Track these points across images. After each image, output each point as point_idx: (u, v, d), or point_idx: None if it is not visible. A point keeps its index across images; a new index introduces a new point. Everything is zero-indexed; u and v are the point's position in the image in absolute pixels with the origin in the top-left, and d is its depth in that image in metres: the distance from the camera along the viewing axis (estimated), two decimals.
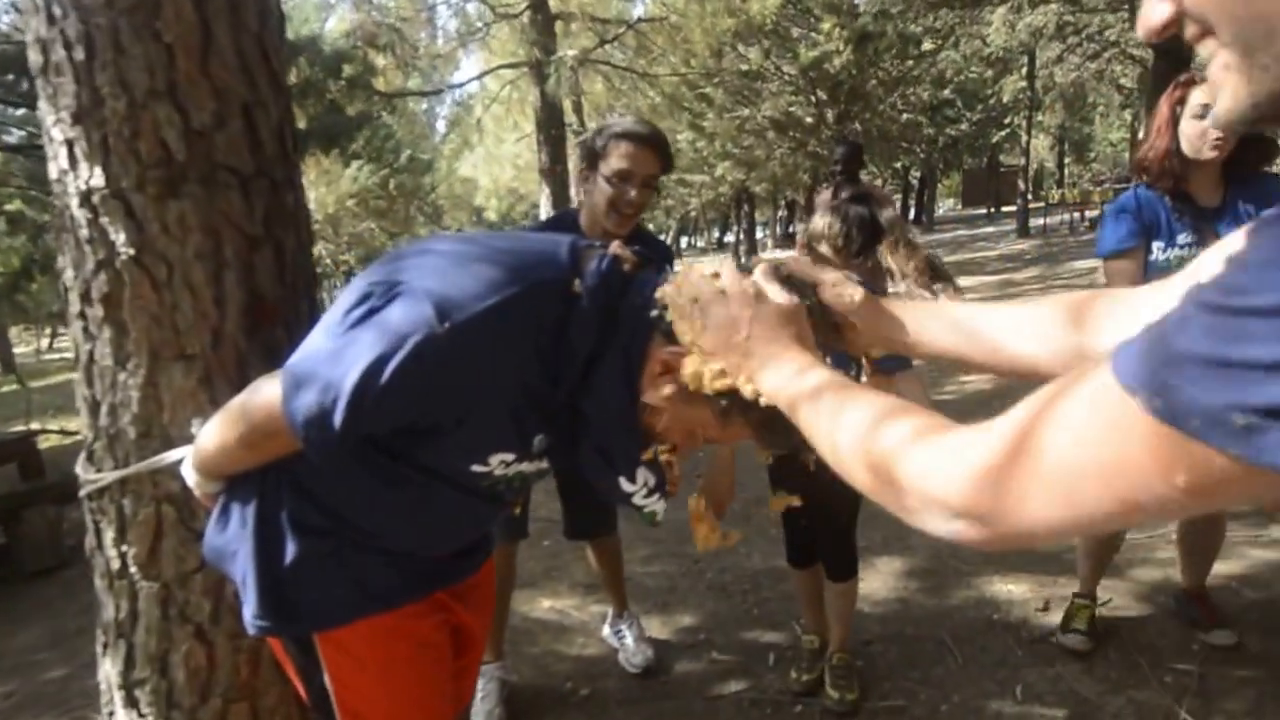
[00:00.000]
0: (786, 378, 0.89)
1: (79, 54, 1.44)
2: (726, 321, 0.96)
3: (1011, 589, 3.05)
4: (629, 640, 2.79)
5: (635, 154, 2.15)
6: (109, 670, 1.68)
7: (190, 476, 1.32)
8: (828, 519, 2.40)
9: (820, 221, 2.17)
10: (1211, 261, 0.56)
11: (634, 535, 3.87)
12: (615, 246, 1.14)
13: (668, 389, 1.04)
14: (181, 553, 1.61)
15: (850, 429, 0.76)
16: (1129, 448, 0.52)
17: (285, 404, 1.07)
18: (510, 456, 1.16)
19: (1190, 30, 0.57)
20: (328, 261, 27.77)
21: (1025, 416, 0.60)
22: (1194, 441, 0.48)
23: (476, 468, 1.16)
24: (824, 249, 2.12)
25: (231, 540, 1.28)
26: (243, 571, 1.27)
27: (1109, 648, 2.57)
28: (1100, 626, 2.64)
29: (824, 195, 4.76)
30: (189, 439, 1.37)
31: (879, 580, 3.25)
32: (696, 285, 1.00)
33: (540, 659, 2.88)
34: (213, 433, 1.24)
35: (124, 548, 1.61)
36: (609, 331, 1.06)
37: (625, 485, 1.15)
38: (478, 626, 1.52)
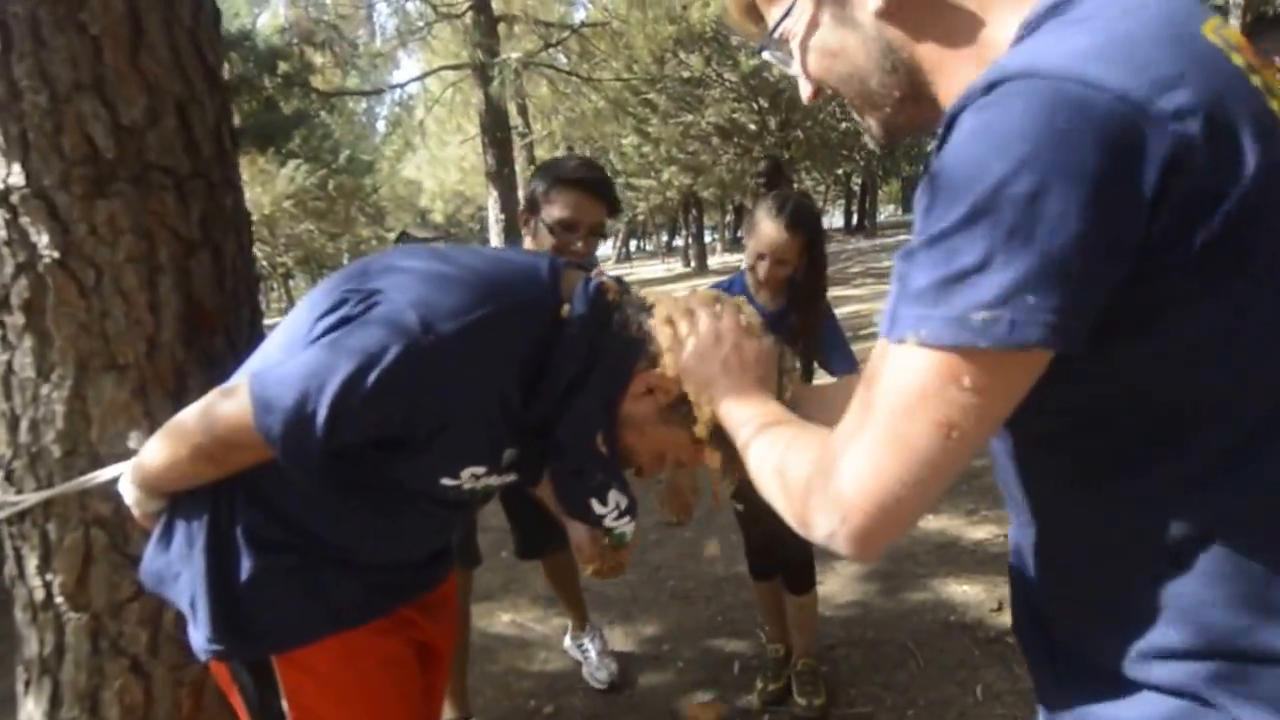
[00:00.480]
0: (737, 412, 0.94)
1: None
2: (708, 351, 1.01)
3: (966, 590, 3.08)
4: (592, 655, 2.72)
5: (580, 203, 2.00)
6: (32, 711, 1.55)
7: (129, 494, 1.22)
8: (786, 532, 2.35)
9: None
10: None
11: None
12: (598, 272, 1.14)
13: (649, 409, 1.06)
14: (114, 580, 1.50)
15: (774, 465, 0.81)
16: (921, 380, 0.60)
17: (259, 415, 1.03)
18: (481, 470, 1.14)
19: (828, 90, 0.81)
20: (264, 263, 27.11)
21: (851, 411, 0.66)
22: (959, 351, 0.58)
23: (447, 480, 1.13)
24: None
25: (175, 561, 1.19)
26: (190, 593, 1.17)
27: None
28: None
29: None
30: (123, 455, 1.29)
31: (839, 584, 3.24)
32: (690, 313, 1.05)
33: (502, 677, 2.79)
34: (163, 447, 1.15)
35: (49, 576, 1.49)
36: (594, 355, 1.07)
37: (597, 507, 1.15)
38: (444, 642, 1.45)
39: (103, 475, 1.38)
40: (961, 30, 0.71)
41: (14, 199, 1.38)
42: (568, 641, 2.85)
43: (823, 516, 0.67)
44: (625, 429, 1.09)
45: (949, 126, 0.61)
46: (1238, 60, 0.62)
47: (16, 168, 1.37)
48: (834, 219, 39.23)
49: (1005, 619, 2.80)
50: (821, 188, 28.76)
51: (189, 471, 1.14)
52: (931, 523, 3.72)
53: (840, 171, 28.86)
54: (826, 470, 0.67)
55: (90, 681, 1.51)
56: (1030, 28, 0.65)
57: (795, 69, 0.81)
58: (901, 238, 26.23)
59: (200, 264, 1.53)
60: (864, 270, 15.49)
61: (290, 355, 1.05)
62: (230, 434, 1.08)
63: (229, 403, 1.08)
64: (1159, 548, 0.66)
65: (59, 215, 1.39)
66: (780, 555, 2.45)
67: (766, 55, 0.83)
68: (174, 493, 1.19)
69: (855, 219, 32.20)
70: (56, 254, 1.40)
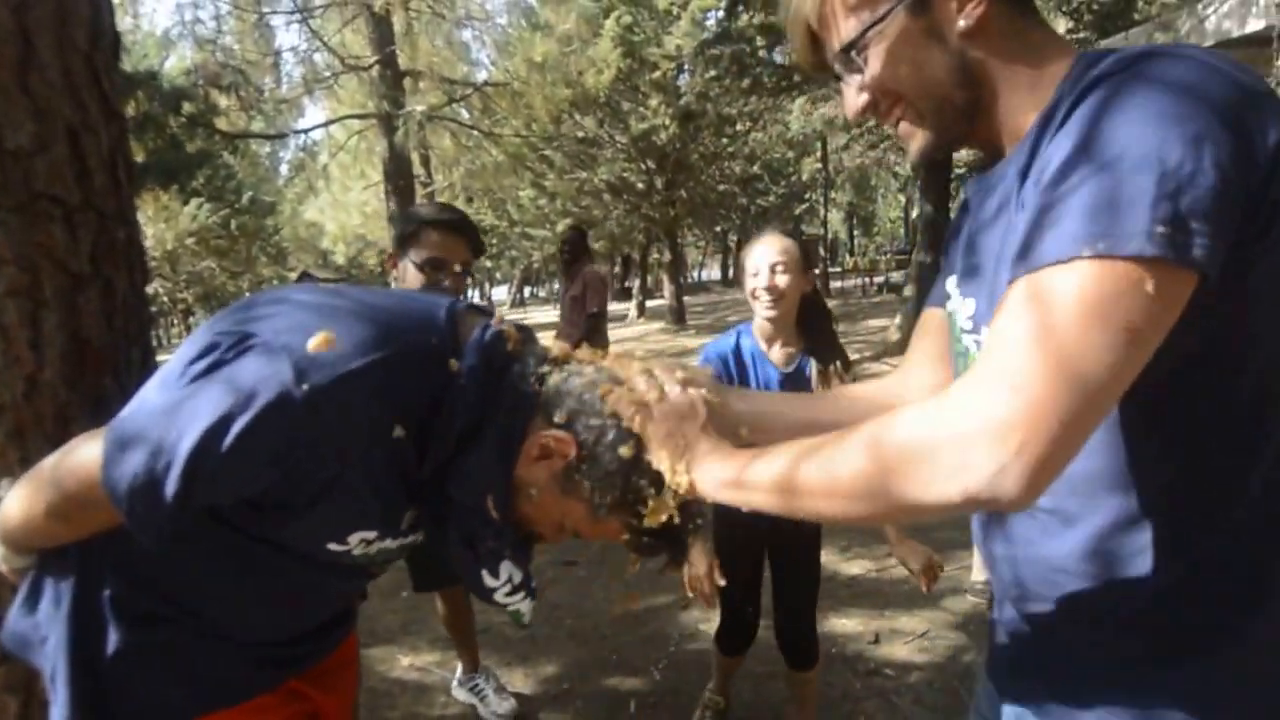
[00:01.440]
0: (731, 465, 0.84)
1: None
2: (672, 424, 0.89)
3: (845, 623, 3.09)
4: (489, 694, 2.57)
5: (445, 242, 2.00)
6: None
7: None
8: (790, 604, 2.22)
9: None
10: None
11: None
12: (498, 319, 0.98)
13: (545, 474, 0.91)
14: None
15: (832, 462, 0.70)
16: (1105, 287, 0.59)
17: (106, 469, 0.84)
18: (372, 534, 0.96)
19: (884, 104, 0.83)
20: (164, 299, 25.45)
21: (989, 345, 0.64)
22: (1143, 261, 0.59)
23: (333, 546, 0.96)
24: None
25: (42, 624, 0.99)
26: (53, 664, 0.98)
27: (935, 678, 2.62)
28: (925, 657, 2.74)
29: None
30: None
31: None
32: (643, 390, 0.91)
33: None
34: (18, 499, 0.96)
35: None
36: (486, 411, 0.91)
37: (488, 579, 0.98)
38: (338, 714, 1.23)
39: None
40: (1030, 60, 0.78)
41: None
42: (456, 686, 2.68)
43: (983, 453, 0.59)
44: (519, 494, 0.93)
45: (1083, 96, 0.65)
46: None
47: None
48: (713, 272, 40.29)
49: (882, 651, 2.82)
50: (702, 243, 29.44)
51: (44, 529, 0.95)
52: None
53: (718, 229, 29.67)
54: (955, 419, 0.61)
55: None
56: (1094, 62, 0.70)
57: (853, 81, 0.83)
58: None
59: (89, 299, 1.35)
60: (741, 319, 15.84)
61: (153, 403, 0.85)
62: (79, 490, 0.89)
63: (81, 453, 0.90)
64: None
65: None
66: (782, 633, 2.25)
67: (836, 65, 0.84)
68: (41, 550, 1.00)
69: (731, 272, 33.14)
70: None
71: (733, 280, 31.09)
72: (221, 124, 9.69)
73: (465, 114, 12.65)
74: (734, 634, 2.26)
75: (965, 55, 0.78)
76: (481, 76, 13.32)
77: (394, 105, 10.47)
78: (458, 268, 2.02)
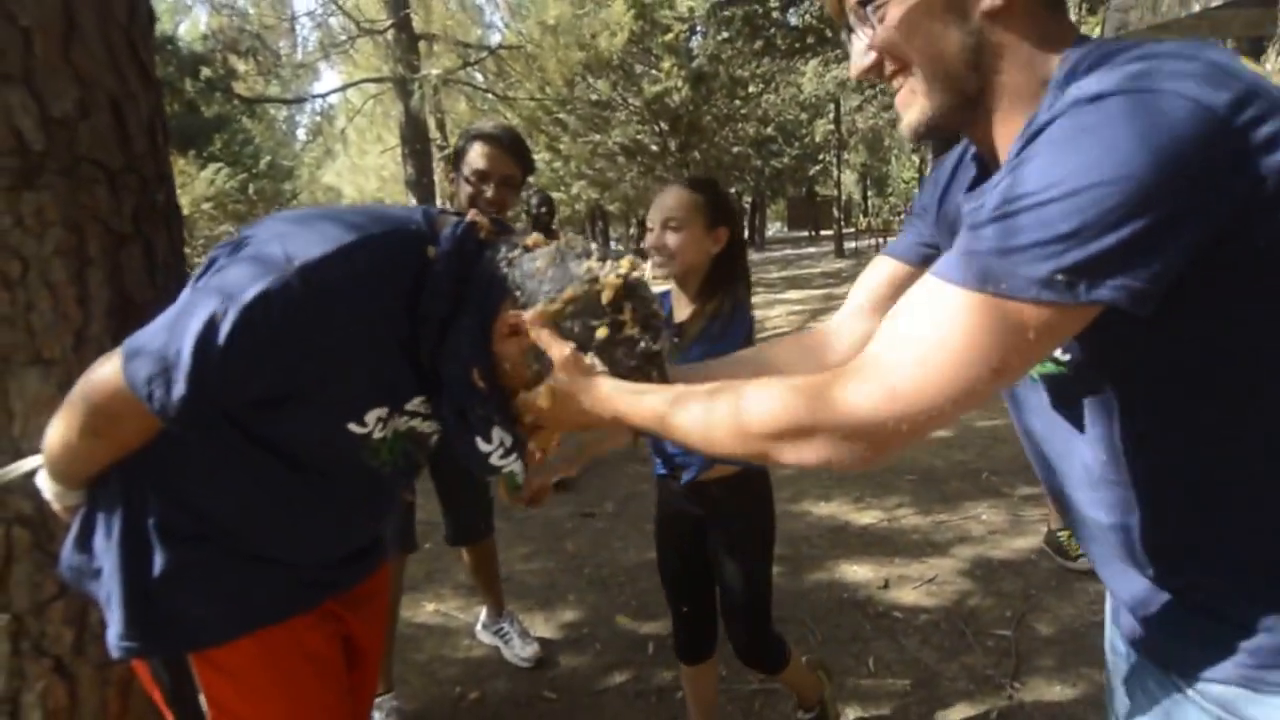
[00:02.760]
0: (639, 400, 0.89)
1: None
2: (555, 413, 0.96)
3: (856, 570, 3.14)
4: (513, 637, 2.67)
5: (491, 154, 2.08)
6: None
7: (47, 487, 1.10)
8: (727, 603, 1.85)
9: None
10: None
11: (513, 534, 3.72)
12: (472, 214, 1.05)
13: (516, 348, 0.98)
14: (37, 579, 1.37)
15: (733, 412, 0.77)
16: (993, 324, 0.64)
17: (126, 370, 0.92)
18: (384, 411, 1.03)
19: (890, 67, 0.80)
20: None
21: (887, 339, 0.69)
22: (1035, 305, 0.62)
23: (353, 427, 1.02)
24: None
25: (96, 555, 1.07)
26: (107, 590, 1.06)
27: (942, 620, 2.70)
28: (933, 601, 2.82)
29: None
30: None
31: None
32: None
33: (427, 665, 2.69)
34: (55, 430, 1.03)
35: None
36: (463, 296, 0.98)
37: (481, 445, 1.04)
38: (370, 639, 1.31)
39: (22, 466, 1.24)
40: (1042, 56, 0.74)
41: None
42: (480, 629, 2.78)
43: (846, 449, 0.69)
44: (498, 366, 1.00)
45: (1046, 124, 0.63)
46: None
47: None
48: None
49: (891, 595, 2.89)
50: None
51: (83, 450, 1.02)
52: (823, 509, 3.81)
53: (733, 190, 29.42)
54: (835, 414, 0.69)
55: (11, 684, 1.37)
56: (1085, 68, 0.67)
57: (865, 36, 0.80)
58: (788, 252, 26.90)
59: (131, 257, 1.42)
60: (755, 280, 15.76)
61: (165, 312, 0.94)
62: (106, 402, 0.96)
63: (103, 368, 0.97)
64: None
65: None
66: (732, 636, 1.86)
67: (850, 16, 0.81)
68: (90, 484, 1.07)
69: (746, 234, 32.90)
70: None
71: (748, 241, 30.90)
72: (239, 88, 9.68)
73: (480, 78, 12.58)
74: (681, 637, 1.94)
75: (984, 37, 0.74)
76: (495, 40, 13.22)
77: (409, 69, 10.43)
78: (499, 180, 2.07)
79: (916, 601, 2.84)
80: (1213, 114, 0.59)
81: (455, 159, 2.14)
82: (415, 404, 1.05)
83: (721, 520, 1.82)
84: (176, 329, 0.90)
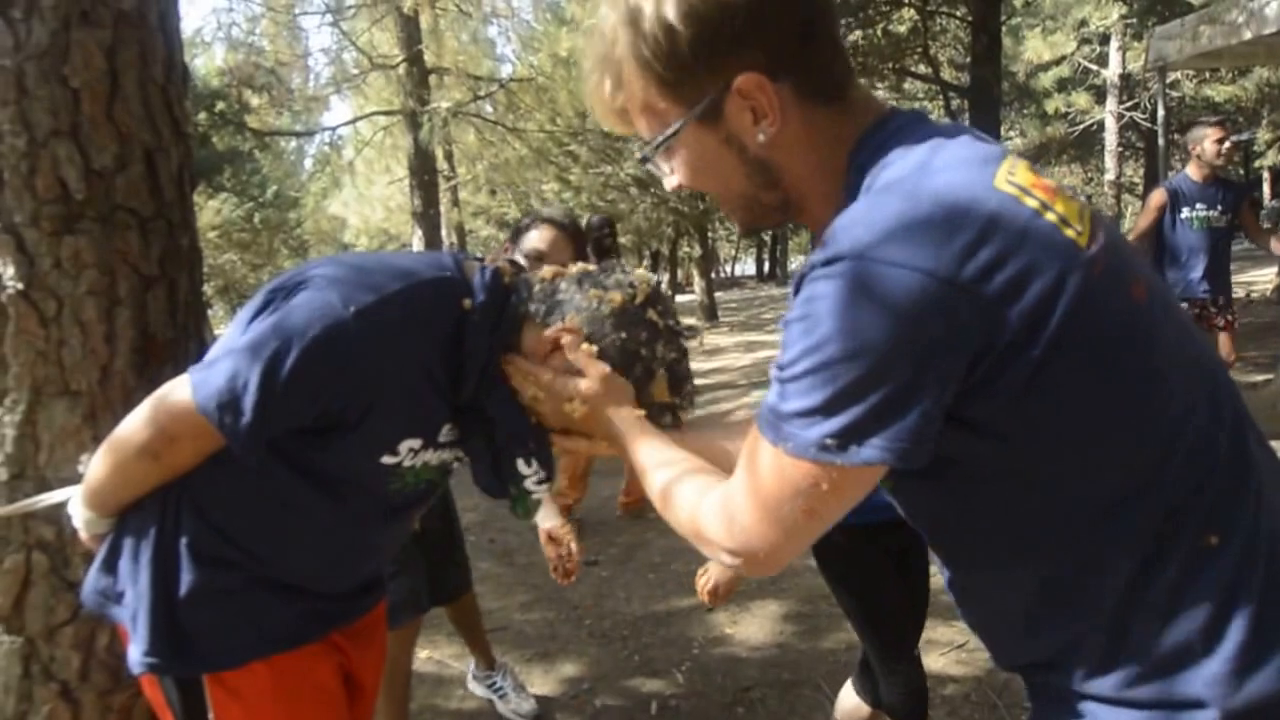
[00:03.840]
0: (616, 438, 1.04)
1: None
2: (553, 413, 1.11)
3: None
4: (509, 691, 2.66)
5: (550, 238, 2.14)
6: None
7: (79, 516, 1.22)
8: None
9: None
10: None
11: (513, 580, 3.72)
12: (491, 258, 1.23)
13: (559, 364, 1.11)
14: (51, 603, 1.49)
15: (679, 501, 0.89)
16: (787, 479, 0.71)
17: (196, 395, 1.06)
18: (418, 443, 1.18)
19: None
20: None
21: (737, 474, 0.78)
22: (817, 464, 0.69)
23: (387, 459, 1.16)
24: None
25: (120, 578, 1.18)
26: (133, 608, 1.16)
27: (972, 691, 2.61)
28: (963, 669, 2.71)
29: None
30: (70, 479, 1.29)
31: (755, 625, 3.22)
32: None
33: (418, 715, 2.70)
34: (105, 455, 1.15)
35: None
36: (496, 342, 1.14)
37: (523, 466, 1.20)
38: (368, 675, 1.40)
39: (54, 497, 1.37)
40: (831, 157, 0.79)
41: None
42: (471, 680, 2.76)
43: (716, 524, 0.80)
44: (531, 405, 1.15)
45: (800, 282, 0.70)
46: (1030, 203, 0.69)
47: None
48: (747, 267, 40.14)
49: None
50: (734, 237, 29.48)
51: (135, 473, 1.14)
52: None
53: None
54: (722, 513, 0.79)
55: (19, 707, 1.48)
56: (851, 187, 0.76)
57: (664, 171, 0.86)
58: None
59: (156, 298, 1.57)
60: (777, 316, 15.73)
61: (231, 341, 1.10)
62: (173, 424, 1.09)
63: (173, 392, 1.10)
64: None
65: (26, 249, 1.43)
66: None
67: (647, 163, 0.86)
68: (122, 511, 1.19)
69: (767, 267, 32.98)
70: (20, 285, 1.44)
71: (768, 275, 30.88)
72: (252, 122, 10.04)
73: (490, 109, 12.90)
74: (902, 696, 1.91)
75: (768, 161, 0.79)
76: (506, 72, 13.57)
77: (420, 102, 10.76)
78: (557, 264, 2.17)
79: (944, 669, 2.72)
80: (936, 280, 0.63)
81: (514, 235, 2.22)
82: (445, 433, 1.20)
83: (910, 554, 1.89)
84: (245, 361, 1.04)
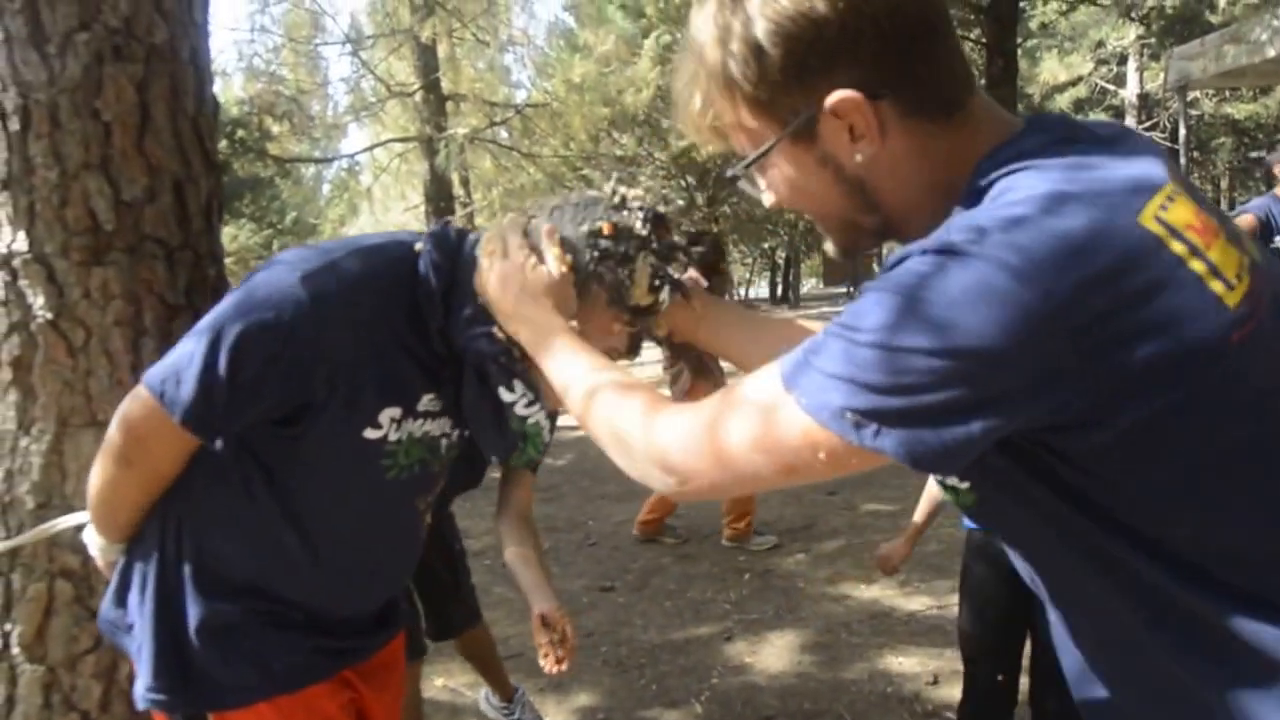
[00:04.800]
0: (539, 334, 0.99)
1: (14, 124, 1.42)
2: (500, 281, 1.03)
3: (902, 661, 3.00)
4: None
5: None
6: None
7: (92, 542, 1.22)
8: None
9: None
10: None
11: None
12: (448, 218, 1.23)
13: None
14: (74, 632, 1.49)
15: (595, 394, 0.86)
16: (787, 429, 0.67)
17: (150, 385, 1.04)
18: (397, 411, 1.12)
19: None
20: None
21: (720, 402, 0.74)
22: (826, 429, 0.64)
23: (370, 433, 1.11)
24: None
25: (131, 609, 1.17)
26: (139, 642, 1.14)
27: None
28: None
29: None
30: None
31: (775, 654, 3.16)
32: (501, 239, 1.07)
33: None
34: (94, 471, 1.15)
35: (7, 626, 1.48)
36: (455, 270, 1.10)
37: (505, 395, 1.12)
38: (384, 711, 1.34)
39: (69, 520, 1.38)
40: (938, 183, 0.73)
41: (15, 263, 1.44)
42: (484, 703, 2.72)
43: (657, 477, 0.77)
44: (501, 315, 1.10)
45: (902, 259, 0.64)
46: (1177, 248, 0.61)
47: (21, 235, 1.43)
48: (760, 290, 40.20)
49: (942, 693, 2.71)
50: (749, 260, 29.56)
51: (116, 483, 1.12)
52: (865, 592, 3.62)
53: (766, 246, 29.64)
54: (685, 428, 0.75)
55: None
56: (977, 193, 0.68)
57: (759, 189, 0.83)
58: (824, 309, 26.76)
59: (181, 327, 1.56)
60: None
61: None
62: (136, 422, 1.07)
63: (130, 396, 1.09)
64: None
65: (56, 279, 1.45)
66: (1045, 698, 1.87)
67: (739, 180, 0.83)
68: (129, 536, 1.18)
69: (780, 290, 32.96)
70: (50, 315, 1.45)
71: (782, 298, 30.84)
72: (273, 149, 10.22)
73: (505, 135, 13.05)
74: (980, 710, 1.93)
75: (867, 183, 0.75)
76: (521, 98, 13.75)
77: (436, 128, 10.90)
78: None
79: None
80: (1042, 311, 0.58)
81: None
82: (426, 402, 1.14)
83: None
84: (190, 341, 1.04)
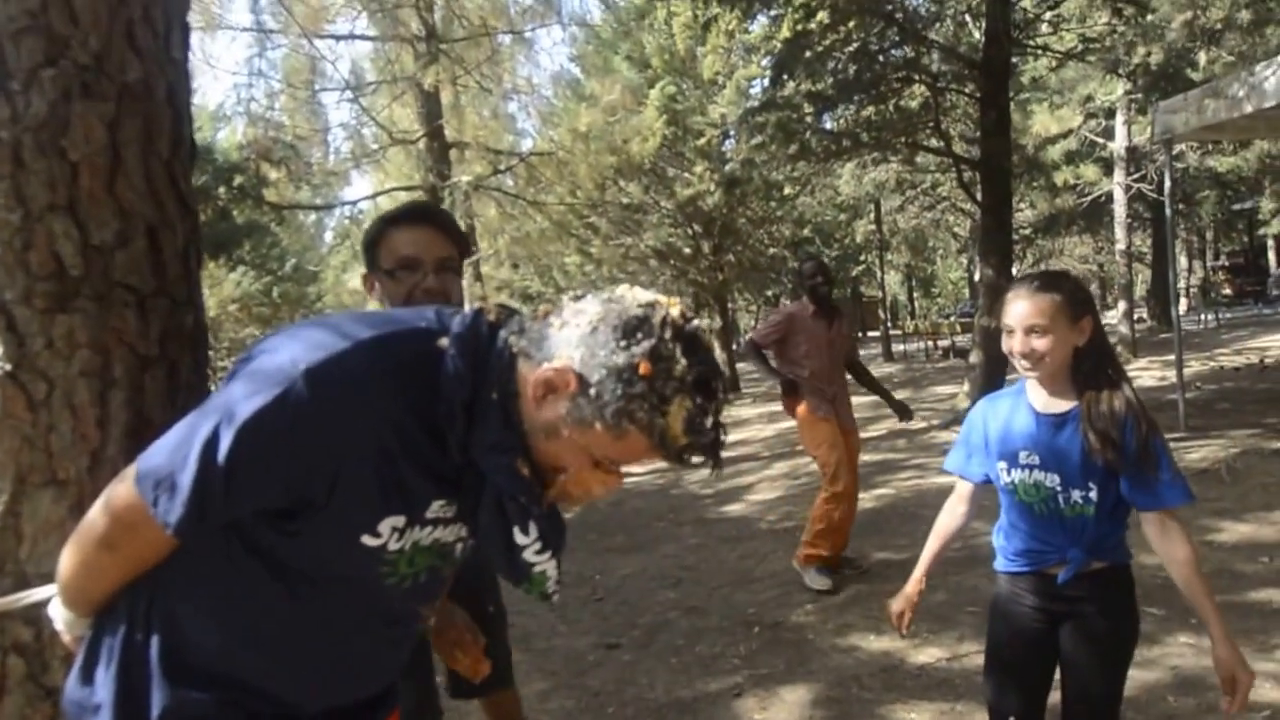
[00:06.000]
0: None
1: None
2: None
3: (913, 716, 2.97)
4: None
5: (414, 238, 1.71)
6: None
7: (59, 616, 1.13)
8: (1079, 705, 1.88)
9: None
10: None
11: (530, 667, 3.61)
12: (480, 301, 1.11)
13: (555, 413, 0.96)
14: (27, 712, 1.40)
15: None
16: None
17: (136, 476, 0.98)
18: (401, 520, 1.03)
19: None
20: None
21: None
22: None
23: (368, 540, 1.02)
24: None
25: (96, 690, 1.07)
26: None
27: None
28: None
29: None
30: (55, 575, 1.19)
31: (785, 711, 3.10)
32: None
33: None
34: (71, 547, 1.07)
35: None
36: (481, 378, 1.00)
37: (519, 537, 1.05)
38: None
39: (35, 594, 1.28)
40: None
41: None
42: None
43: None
44: (542, 440, 0.99)
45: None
46: None
47: None
48: None
49: None
50: (753, 307, 29.62)
51: (96, 565, 1.05)
52: (874, 644, 3.58)
53: (769, 292, 29.81)
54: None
55: None
56: None
57: None
58: None
59: (154, 379, 1.51)
60: None
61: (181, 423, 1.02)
62: (123, 511, 1.00)
63: (124, 477, 1.02)
64: None
65: (16, 328, 1.38)
66: None
67: None
68: (100, 609, 1.09)
69: None
70: (8, 366, 1.38)
71: None
72: (270, 195, 10.27)
73: (510, 182, 13.14)
74: None
75: None
76: (527, 146, 13.88)
77: (440, 177, 10.97)
78: (435, 265, 1.70)
79: None
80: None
81: (369, 258, 1.78)
82: (437, 509, 1.05)
83: (1085, 616, 1.84)
84: (185, 440, 0.96)
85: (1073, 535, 1.80)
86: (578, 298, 1.02)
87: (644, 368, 0.92)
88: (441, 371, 0.99)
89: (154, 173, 1.46)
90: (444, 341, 1.01)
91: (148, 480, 0.98)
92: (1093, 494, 1.77)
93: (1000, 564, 1.97)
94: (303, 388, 0.93)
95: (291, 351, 0.97)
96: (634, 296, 0.98)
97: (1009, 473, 1.87)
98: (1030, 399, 1.87)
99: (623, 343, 0.93)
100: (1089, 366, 1.80)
